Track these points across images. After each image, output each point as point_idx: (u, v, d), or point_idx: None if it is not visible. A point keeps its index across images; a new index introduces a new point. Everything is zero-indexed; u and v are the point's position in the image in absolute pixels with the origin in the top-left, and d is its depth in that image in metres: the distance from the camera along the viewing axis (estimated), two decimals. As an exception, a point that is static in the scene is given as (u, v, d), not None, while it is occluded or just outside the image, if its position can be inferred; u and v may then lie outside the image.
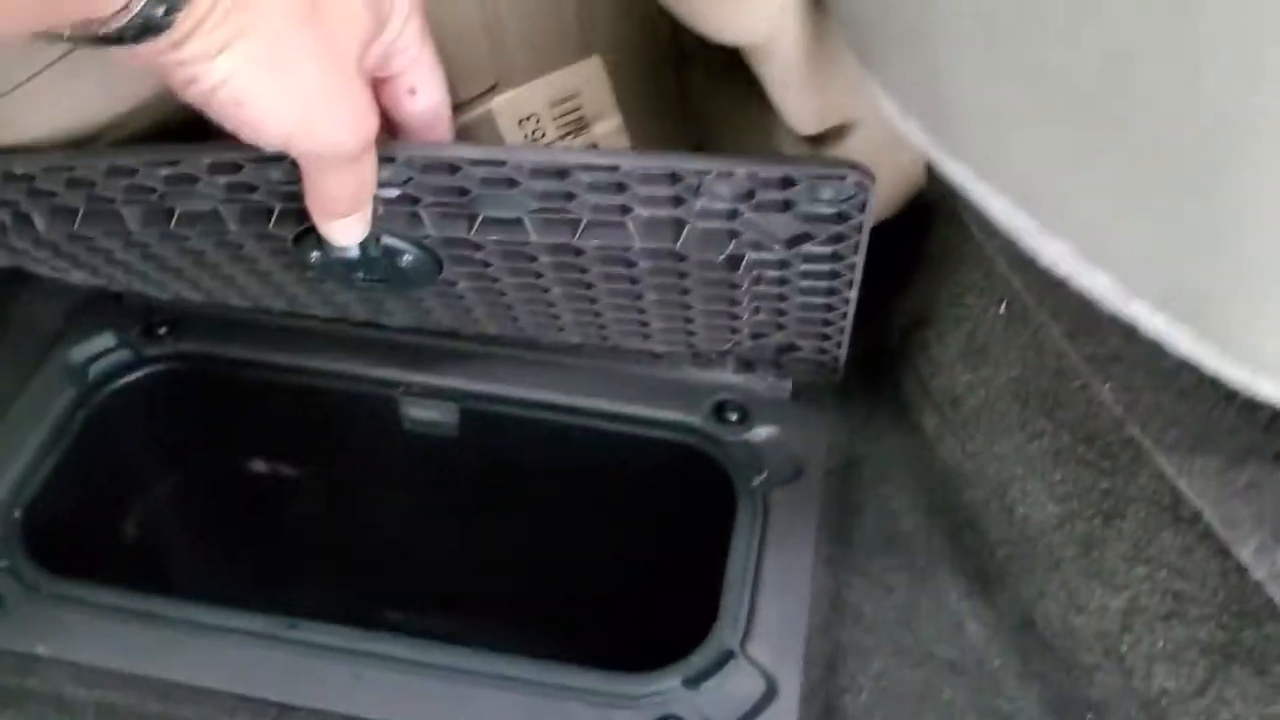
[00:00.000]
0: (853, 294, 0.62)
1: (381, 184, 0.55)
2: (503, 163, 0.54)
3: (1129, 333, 0.38)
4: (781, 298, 0.64)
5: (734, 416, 0.76)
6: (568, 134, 0.74)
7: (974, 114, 0.40)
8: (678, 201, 0.56)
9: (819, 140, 0.65)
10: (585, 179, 0.55)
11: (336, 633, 0.64)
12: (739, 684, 0.63)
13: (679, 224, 0.57)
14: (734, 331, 0.69)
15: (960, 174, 0.42)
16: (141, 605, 0.65)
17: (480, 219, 0.57)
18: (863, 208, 0.55)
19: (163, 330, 0.80)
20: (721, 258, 0.58)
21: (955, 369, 0.68)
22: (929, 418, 0.71)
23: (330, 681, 0.63)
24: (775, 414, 0.76)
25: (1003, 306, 0.62)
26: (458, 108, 0.65)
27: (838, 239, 0.57)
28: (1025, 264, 0.56)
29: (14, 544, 0.68)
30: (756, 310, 0.65)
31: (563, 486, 0.83)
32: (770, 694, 0.62)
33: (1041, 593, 0.63)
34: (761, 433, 0.75)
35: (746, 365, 0.76)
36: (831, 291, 0.62)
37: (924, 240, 0.74)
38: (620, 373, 0.78)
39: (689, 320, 0.68)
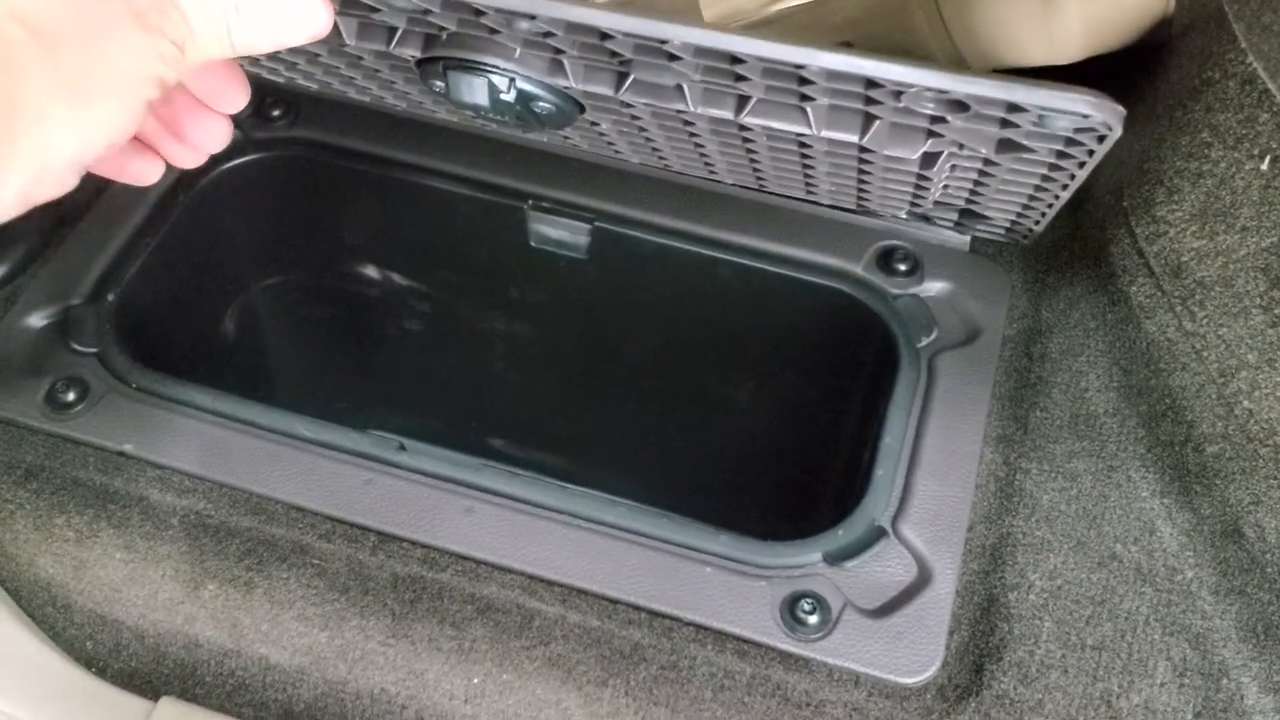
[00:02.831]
0: (1066, 194, 0.53)
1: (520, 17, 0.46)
2: (663, 41, 0.45)
3: None
4: (979, 183, 0.54)
5: (902, 267, 0.67)
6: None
7: None
8: (870, 100, 0.46)
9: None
10: (761, 67, 0.45)
11: (449, 461, 0.58)
12: (887, 566, 0.56)
13: (868, 119, 0.48)
14: (915, 204, 0.60)
15: None
16: (239, 411, 0.60)
17: (631, 80, 0.49)
18: (1101, 140, 0.45)
19: (276, 113, 0.73)
20: (915, 155, 0.49)
21: (1185, 232, 0.58)
22: (1141, 286, 0.61)
23: (438, 514, 0.56)
24: (950, 268, 0.67)
25: (1265, 161, 0.52)
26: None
27: (1060, 157, 0.48)
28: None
29: (105, 330, 0.63)
30: (946, 188, 0.56)
31: (699, 328, 0.75)
32: (923, 580, 0.55)
33: (1257, 500, 0.54)
34: (933, 287, 0.66)
35: (921, 214, 0.66)
36: (1040, 189, 0.53)
37: (1160, 77, 0.63)
38: (775, 208, 0.69)
39: (864, 188, 0.59)
